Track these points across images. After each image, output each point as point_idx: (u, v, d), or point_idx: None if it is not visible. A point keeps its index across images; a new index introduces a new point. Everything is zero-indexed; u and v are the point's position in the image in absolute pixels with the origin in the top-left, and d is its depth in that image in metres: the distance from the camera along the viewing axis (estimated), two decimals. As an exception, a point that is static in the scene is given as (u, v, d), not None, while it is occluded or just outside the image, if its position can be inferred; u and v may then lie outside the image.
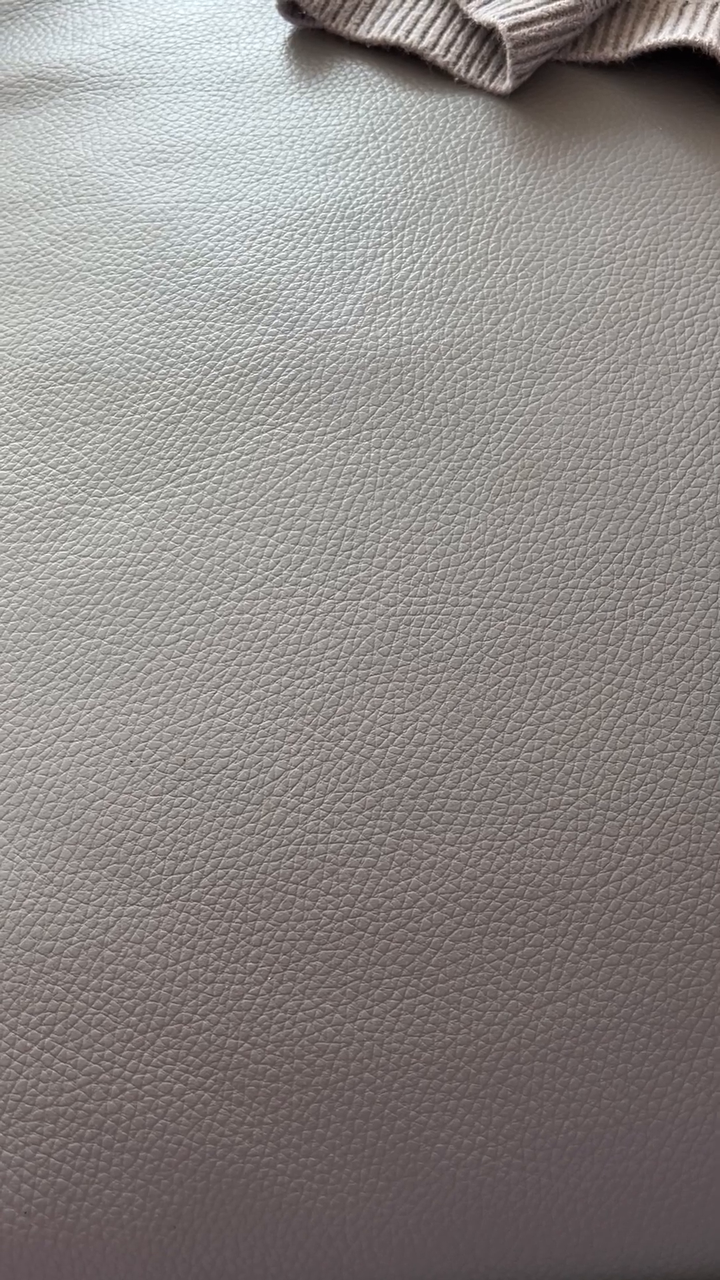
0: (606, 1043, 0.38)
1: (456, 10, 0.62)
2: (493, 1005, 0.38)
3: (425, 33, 0.62)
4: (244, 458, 0.48)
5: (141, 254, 0.54)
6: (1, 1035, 0.38)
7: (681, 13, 0.62)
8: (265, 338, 0.52)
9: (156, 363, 0.51)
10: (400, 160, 0.58)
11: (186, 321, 0.52)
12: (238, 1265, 0.37)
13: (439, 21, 0.62)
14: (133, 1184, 0.37)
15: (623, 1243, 0.38)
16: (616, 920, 0.39)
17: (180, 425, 0.49)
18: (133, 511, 0.47)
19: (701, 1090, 0.38)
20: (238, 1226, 0.37)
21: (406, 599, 0.45)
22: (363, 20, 0.63)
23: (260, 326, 0.52)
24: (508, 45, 0.59)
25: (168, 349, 0.52)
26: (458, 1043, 0.38)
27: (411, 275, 0.54)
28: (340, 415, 0.49)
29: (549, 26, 0.59)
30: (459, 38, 0.62)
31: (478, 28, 0.62)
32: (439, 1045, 0.38)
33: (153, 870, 0.40)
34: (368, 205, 0.56)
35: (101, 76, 0.62)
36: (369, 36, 0.62)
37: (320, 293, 0.53)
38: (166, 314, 0.53)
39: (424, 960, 0.39)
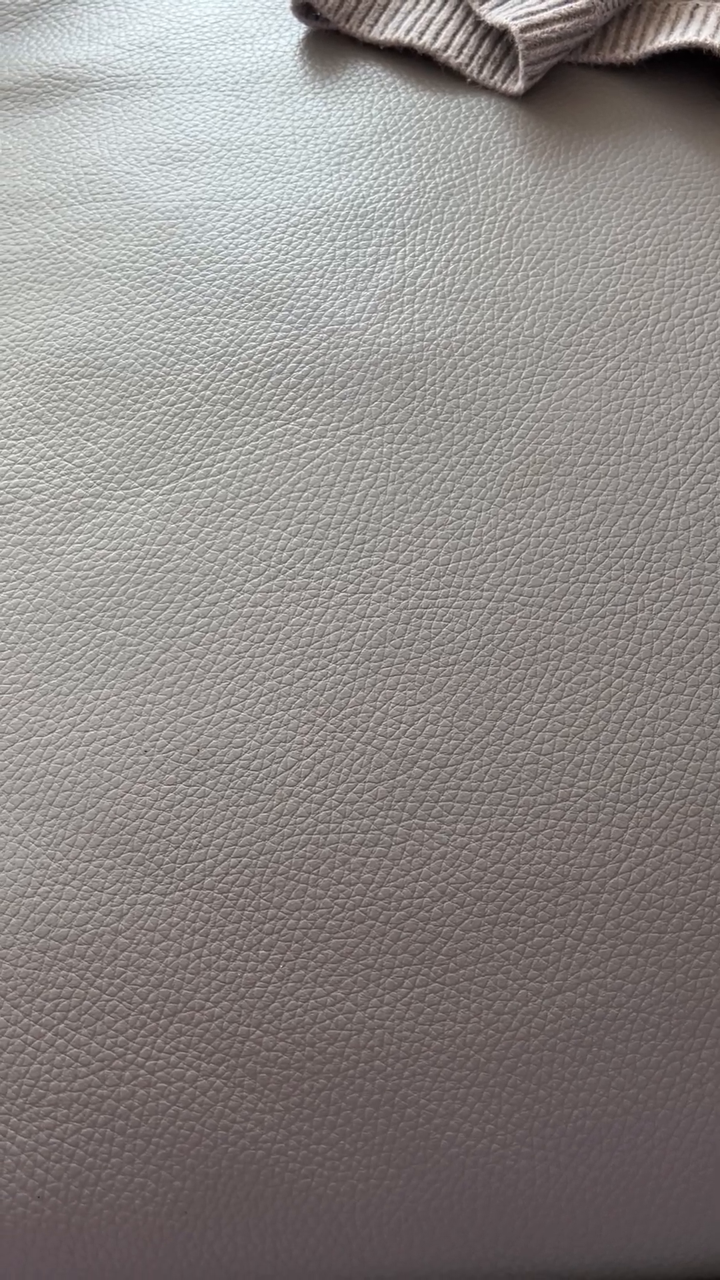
0: (615, 1033, 0.38)
1: (469, 12, 0.63)
2: (503, 995, 0.39)
3: (438, 34, 0.62)
4: (257, 452, 0.49)
5: (156, 251, 0.55)
6: (16, 1021, 0.38)
7: (692, 15, 0.62)
8: (279, 334, 0.52)
9: (171, 359, 0.52)
10: (413, 160, 0.58)
11: (201, 318, 0.53)
12: (248, 1251, 0.37)
13: (452, 23, 0.62)
14: (145, 1169, 0.37)
15: (631, 1232, 0.38)
16: (626, 911, 0.40)
17: (194, 420, 0.50)
18: (147, 505, 0.48)
19: (710, 1081, 0.38)
20: (248, 1212, 0.37)
21: (418, 592, 0.45)
22: (376, 22, 0.63)
23: (274, 323, 0.52)
24: (520, 47, 0.59)
25: (182, 345, 0.52)
26: (468, 1032, 0.38)
27: (424, 273, 0.54)
28: (353, 411, 0.50)
29: (561, 28, 0.60)
30: (471, 39, 0.62)
31: (490, 29, 0.62)
32: (449, 1034, 0.38)
33: (166, 859, 0.40)
34: (381, 204, 0.56)
35: (117, 77, 0.62)
36: (382, 38, 0.63)
37: (333, 290, 0.53)
38: (181, 310, 0.53)
39: (434, 950, 0.39)
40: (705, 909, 0.40)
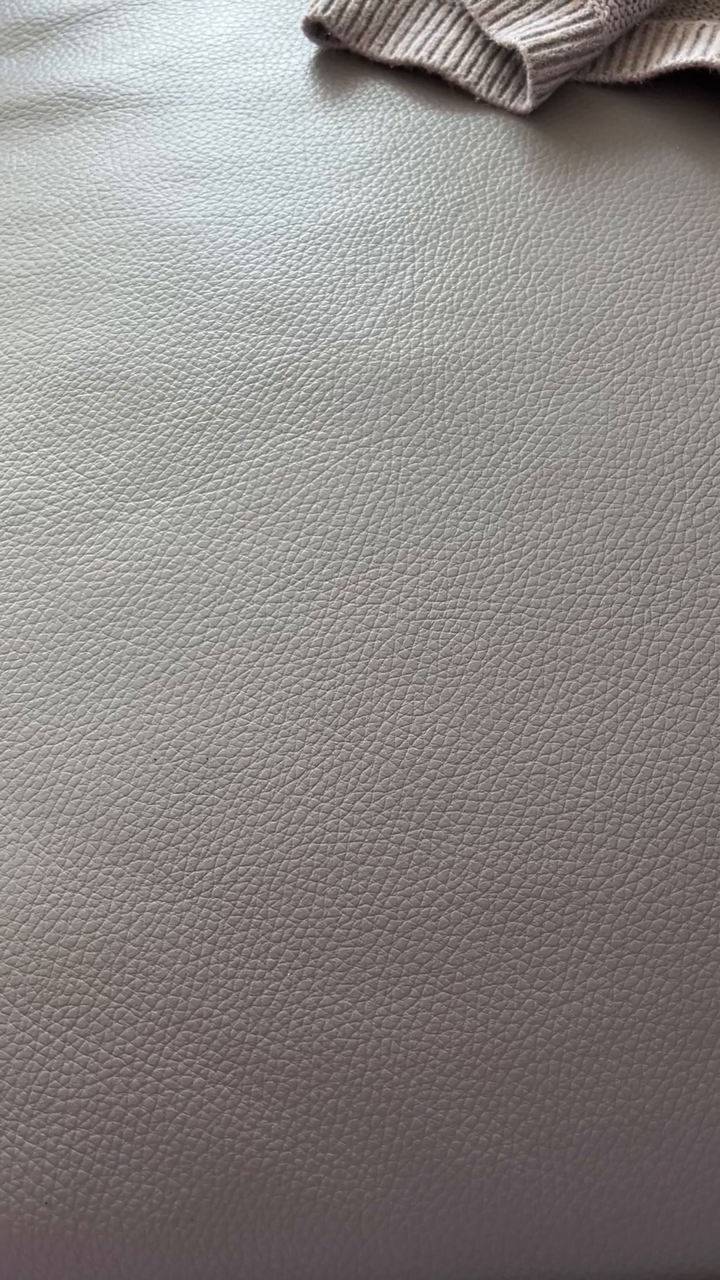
0: (622, 1042, 0.38)
1: (478, 32, 0.64)
2: (509, 1004, 0.39)
3: (447, 53, 0.63)
4: (268, 464, 0.49)
5: (168, 266, 0.56)
6: (25, 1028, 0.39)
7: (699, 35, 0.63)
8: (289, 348, 0.53)
9: (183, 372, 0.52)
10: (422, 177, 0.59)
11: (212, 332, 0.53)
12: (254, 1258, 0.37)
13: (461, 43, 0.63)
14: (152, 1177, 0.37)
15: (637, 1242, 0.38)
16: (632, 921, 0.40)
17: (205, 433, 0.50)
18: (158, 516, 0.48)
19: (716, 1090, 0.38)
20: (255, 1220, 0.37)
21: (426, 603, 0.46)
22: (386, 41, 0.64)
23: (284, 337, 0.53)
24: (528, 66, 0.60)
25: (193, 359, 0.53)
26: (474, 1040, 0.38)
27: (433, 288, 0.55)
28: (362, 424, 0.50)
29: (569, 48, 0.60)
30: (480, 58, 0.63)
31: (499, 49, 0.63)
32: (456, 1043, 0.38)
33: (175, 866, 0.41)
34: (390, 220, 0.57)
35: (130, 95, 0.63)
36: (392, 57, 0.63)
37: (343, 305, 0.54)
38: (192, 325, 0.54)
39: (441, 958, 0.39)
40: (711, 919, 0.40)
